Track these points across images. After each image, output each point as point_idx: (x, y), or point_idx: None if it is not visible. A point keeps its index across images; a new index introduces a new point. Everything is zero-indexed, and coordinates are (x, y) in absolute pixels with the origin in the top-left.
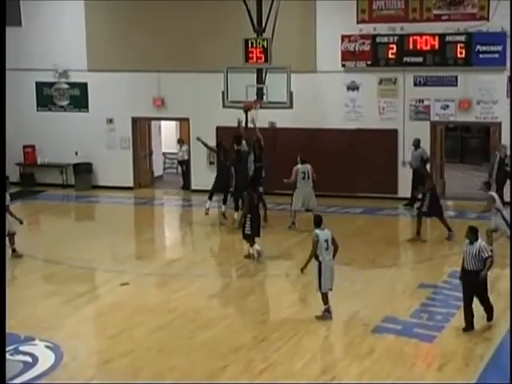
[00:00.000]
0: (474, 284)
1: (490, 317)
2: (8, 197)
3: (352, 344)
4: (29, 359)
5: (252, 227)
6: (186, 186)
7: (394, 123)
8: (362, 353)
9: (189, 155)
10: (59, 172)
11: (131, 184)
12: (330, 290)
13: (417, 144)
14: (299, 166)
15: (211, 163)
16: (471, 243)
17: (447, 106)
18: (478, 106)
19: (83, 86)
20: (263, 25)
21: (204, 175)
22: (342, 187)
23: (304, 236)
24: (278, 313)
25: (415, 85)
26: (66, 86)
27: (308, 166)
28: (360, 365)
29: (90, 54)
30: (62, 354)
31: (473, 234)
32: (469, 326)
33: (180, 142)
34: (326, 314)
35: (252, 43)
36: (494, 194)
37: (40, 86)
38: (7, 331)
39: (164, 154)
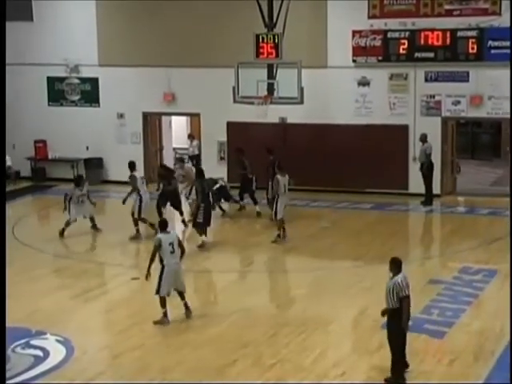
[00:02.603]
0: (390, 325)
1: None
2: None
3: (361, 340)
4: (40, 353)
5: (204, 217)
6: None
7: (405, 119)
8: (371, 348)
9: (199, 150)
10: (70, 167)
11: None
12: (182, 292)
13: (423, 139)
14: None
15: (221, 158)
16: (392, 277)
17: (458, 102)
18: (490, 101)
19: (94, 81)
20: (274, 20)
21: (214, 170)
22: (352, 183)
23: (315, 231)
24: (287, 308)
25: (426, 80)
26: (77, 80)
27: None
28: (369, 360)
29: (100, 49)
30: (72, 348)
31: (396, 267)
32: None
33: (190, 137)
34: (164, 319)
35: (263, 38)
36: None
37: (51, 81)
38: (18, 325)
39: (174, 149)
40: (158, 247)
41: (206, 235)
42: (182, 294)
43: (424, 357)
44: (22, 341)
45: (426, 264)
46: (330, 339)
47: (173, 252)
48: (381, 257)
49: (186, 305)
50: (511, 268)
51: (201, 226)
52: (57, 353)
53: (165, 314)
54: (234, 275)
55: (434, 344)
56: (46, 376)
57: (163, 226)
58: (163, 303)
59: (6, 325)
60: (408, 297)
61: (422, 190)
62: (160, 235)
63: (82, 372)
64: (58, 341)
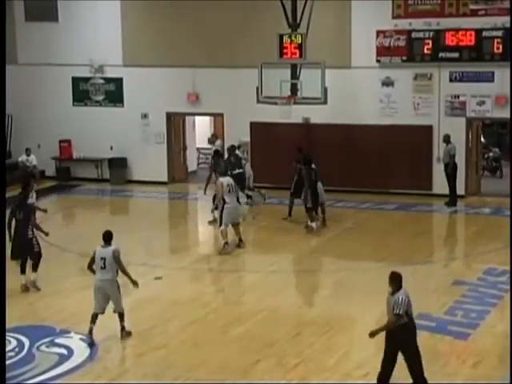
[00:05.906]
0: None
1: None
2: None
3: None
4: (64, 352)
5: (312, 203)
6: None
7: (429, 119)
8: None
9: (223, 150)
10: (94, 166)
11: (165, 179)
12: (119, 312)
13: (447, 139)
14: (221, 179)
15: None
16: (392, 293)
17: (483, 102)
18: None
19: (118, 81)
20: (298, 20)
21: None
22: (376, 183)
23: (339, 231)
24: (311, 308)
25: (451, 80)
26: (101, 81)
27: (230, 179)
28: None
29: (125, 50)
30: (96, 347)
31: (396, 282)
32: None
33: (214, 136)
34: (88, 335)
35: (287, 39)
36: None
37: (76, 81)
38: (42, 324)
39: (198, 149)
40: (92, 258)
41: (313, 221)
42: (119, 315)
43: (448, 358)
44: (47, 339)
45: (450, 265)
46: (353, 340)
47: (103, 268)
48: (405, 258)
49: (122, 327)
50: (511, 268)
51: (310, 211)
52: (81, 351)
53: (90, 331)
54: (259, 275)
55: (458, 346)
56: (70, 374)
57: (106, 237)
58: (93, 320)
59: (31, 323)
60: (397, 315)
61: (446, 190)
62: (97, 248)
63: (105, 371)
64: (82, 339)
